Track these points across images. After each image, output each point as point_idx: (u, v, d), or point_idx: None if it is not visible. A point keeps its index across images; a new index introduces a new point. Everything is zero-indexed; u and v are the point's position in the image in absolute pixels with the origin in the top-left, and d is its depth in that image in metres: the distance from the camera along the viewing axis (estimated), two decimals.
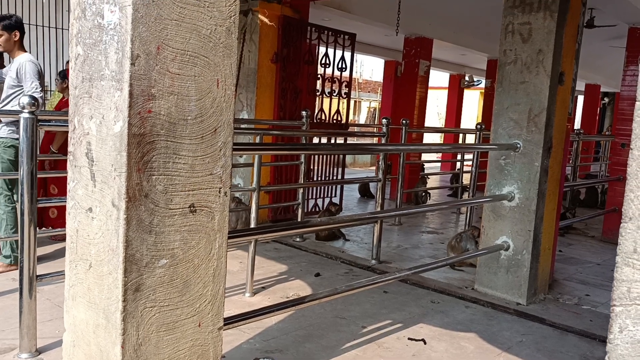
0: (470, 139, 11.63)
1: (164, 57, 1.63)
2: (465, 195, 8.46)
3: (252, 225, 3.93)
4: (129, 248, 1.61)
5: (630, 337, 0.87)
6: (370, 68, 24.16)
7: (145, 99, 1.60)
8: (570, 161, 8.43)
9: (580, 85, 15.50)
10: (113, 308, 1.65)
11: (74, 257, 1.82)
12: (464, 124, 15.48)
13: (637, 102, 0.89)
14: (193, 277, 1.80)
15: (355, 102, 22.76)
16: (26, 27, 6.67)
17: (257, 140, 4.33)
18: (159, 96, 1.63)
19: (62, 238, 4.51)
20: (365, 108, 24.23)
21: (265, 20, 4.91)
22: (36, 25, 6.72)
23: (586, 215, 7.39)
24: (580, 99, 16.94)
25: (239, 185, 6.02)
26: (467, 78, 14.37)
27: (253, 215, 3.82)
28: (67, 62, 5.52)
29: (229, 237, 2.02)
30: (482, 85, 13.68)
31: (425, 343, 3.16)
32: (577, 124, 16.85)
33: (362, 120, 23.42)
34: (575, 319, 3.70)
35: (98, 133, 1.67)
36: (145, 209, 1.64)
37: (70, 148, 1.81)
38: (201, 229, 1.80)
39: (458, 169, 9.04)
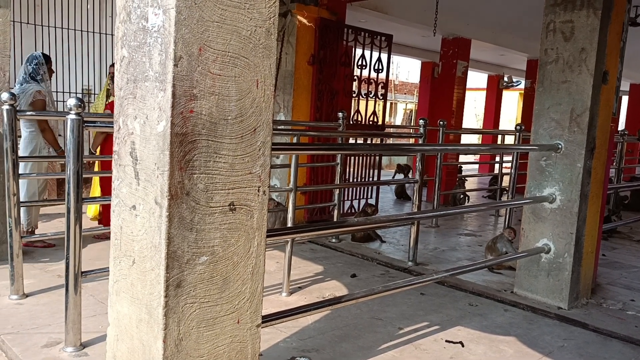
0: (509, 140, 11.40)
1: (205, 58, 1.67)
2: (504, 198, 8.31)
3: (289, 225, 3.96)
4: (170, 245, 1.65)
5: None
6: (406, 70, 23.97)
7: (187, 99, 1.63)
8: (615, 163, 8.19)
9: (625, 85, 15.02)
10: (155, 303, 1.69)
11: (118, 253, 1.87)
12: (502, 126, 15.19)
13: None
14: (232, 274, 1.83)
15: (391, 104, 22.63)
16: (71, 32, 6.91)
17: (294, 141, 4.36)
18: (200, 96, 1.66)
19: (105, 236, 4.64)
20: (401, 110, 24.05)
21: (304, 21, 4.94)
22: (81, 31, 6.94)
23: (631, 218, 7.15)
24: (625, 99, 16.41)
25: (276, 186, 6.07)
26: (505, 79, 14.11)
27: (290, 215, 3.85)
28: (112, 65, 5.69)
29: (267, 236, 2.05)
30: (522, 86, 13.41)
31: (463, 345, 3.12)
32: (622, 125, 16.33)
33: (398, 122, 23.24)
34: (620, 325, 3.59)
35: (142, 133, 1.72)
36: (187, 207, 1.67)
37: (115, 147, 1.86)
38: (240, 227, 1.83)
39: (497, 171, 8.89)
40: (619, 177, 8.27)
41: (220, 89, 1.71)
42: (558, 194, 3.85)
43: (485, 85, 14.85)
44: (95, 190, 5.23)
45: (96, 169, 5.27)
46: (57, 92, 6.68)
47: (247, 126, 1.80)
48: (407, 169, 10.31)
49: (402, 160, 13.63)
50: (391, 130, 14.94)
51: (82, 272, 2.76)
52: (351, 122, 6.49)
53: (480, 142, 13.74)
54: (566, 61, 3.81)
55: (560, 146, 3.82)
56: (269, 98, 1.86)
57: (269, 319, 2.24)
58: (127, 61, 1.79)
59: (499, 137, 10.48)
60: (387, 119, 21.50)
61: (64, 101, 6.21)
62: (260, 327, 1.97)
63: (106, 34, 7.15)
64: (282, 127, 5.66)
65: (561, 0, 3.81)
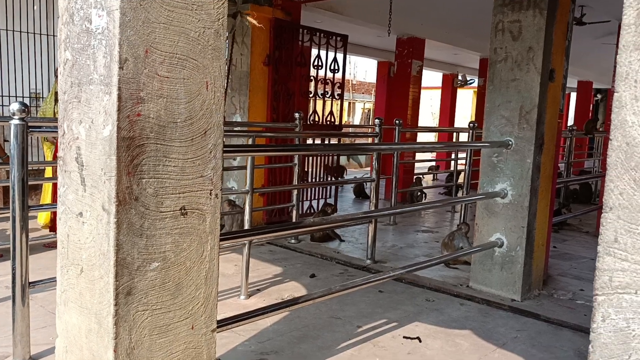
0: (464, 137, 11.66)
1: (152, 60, 1.63)
2: (460, 194, 8.48)
3: (246, 227, 3.93)
4: (120, 252, 1.61)
5: (612, 326, 0.88)
6: (364, 69, 24.18)
7: (134, 103, 1.60)
8: (564, 157, 8.48)
9: (573, 83, 15.56)
10: (105, 312, 1.65)
11: (65, 262, 1.82)
12: (458, 123, 15.52)
13: (615, 94, 0.90)
14: (185, 279, 1.80)
15: (349, 103, 22.79)
16: (17, 34, 6.67)
17: (250, 142, 4.33)
18: (148, 99, 1.63)
19: (56, 245, 4.50)
20: (359, 109, 24.25)
21: (254, 22, 4.91)
22: (27, 33, 6.71)
23: (580, 211, 7.43)
24: (574, 96, 17.01)
25: (233, 188, 6.02)
26: (459, 77, 14.40)
27: (247, 217, 3.83)
28: (57, 69, 5.52)
29: (222, 239, 2.03)
30: (475, 84, 13.72)
31: (420, 341, 3.17)
32: (571, 121, 16.92)
33: (356, 122, 23.43)
34: (570, 314, 3.72)
35: (87, 137, 1.67)
36: (136, 212, 1.64)
37: (60, 153, 1.81)
38: (193, 231, 1.80)
39: (453, 168, 9.06)
40: (569, 171, 8.57)
41: (168, 91, 1.68)
42: (509, 189, 3.95)
43: (440, 84, 15.14)
44: (46, 197, 5.07)
45: (48, 174, 5.11)
46: (2, 96, 6.44)
47: (198, 129, 1.77)
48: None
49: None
50: (349, 129, 15.04)
51: (30, 283, 2.67)
52: (308, 123, 6.50)
53: (436, 140, 13.99)
54: (515, 60, 3.91)
55: (510, 143, 3.92)
56: (219, 100, 1.84)
57: (225, 323, 2.21)
58: (71, 64, 1.74)
59: (454, 134, 10.70)
60: (345, 119, 21.63)
61: (9, 105, 5.98)
62: (215, 332, 1.95)
63: (54, 35, 6.94)
64: (239, 128, 5.62)
65: (509, 1, 3.91)
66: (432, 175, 11.31)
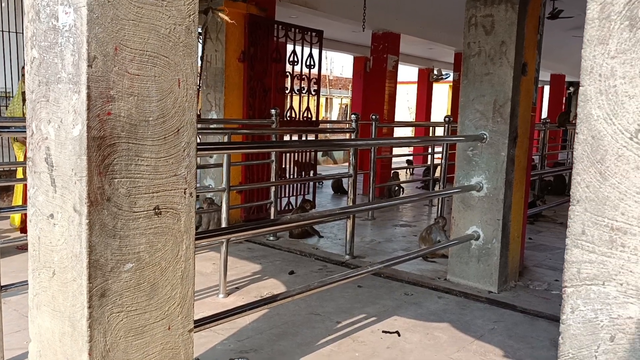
0: (440, 132, 11.76)
1: (122, 57, 1.61)
2: (437, 188, 8.55)
3: (223, 226, 3.91)
4: (92, 253, 1.59)
5: (581, 317, 0.89)
6: (340, 65, 24.24)
7: (104, 101, 1.57)
8: (538, 150, 8.61)
9: (546, 76, 15.80)
10: (79, 315, 1.62)
11: (36, 265, 1.78)
12: (435, 118, 15.63)
13: (580, 88, 0.92)
14: (160, 280, 1.78)
15: (326, 99, 22.81)
16: None
17: (225, 139, 4.30)
18: (118, 98, 1.60)
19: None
20: (337, 105, 24.28)
21: (226, 18, 4.87)
22: None
23: (554, 202, 7.55)
24: (547, 89, 17.27)
25: (210, 186, 5.97)
26: (435, 72, 14.51)
27: (224, 215, 3.80)
28: (23, 67, 5.41)
29: (198, 238, 2.01)
30: (451, 78, 13.84)
31: (399, 335, 3.19)
32: (545, 113, 17.18)
33: (334, 117, 23.46)
34: (545, 304, 3.78)
35: (57, 137, 1.64)
36: (109, 213, 1.61)
37: (29, 154, 1.77)
38: (167, 231, 1.78)
39: (430, 163, 9.13)
40: (543, 163, 8.71)
41: (139, 89, 1.65)
42: (485, 182, 3.99)
43: (416, 79, 15.22)
44: (18, 198, 4.97)
45: (19, 175, 5.01)
46: None
47: (170, 127, 1.75)
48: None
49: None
50: (327, 125, 15.04)
51: (2, 286, 2.61)
52: (285, 119, 6.48)
53: (413, 135, 14.07)
54: (488, 54, 3.95)
55: (485, 136, 3.96)
56: (192, 97, 1.82)
57: (203, 322, 2.20)
58: (38, 62, 1.70)
59: (431, 129, 10.78)
60: (323, 115, 21.63)
61: None
62: (193, 332, 1.93)
63: (22, 33, 6.79)
64: (215, 125, 5.57)
65: None
66: (407, 170, 11.36)
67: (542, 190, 8.32)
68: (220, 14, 4.75)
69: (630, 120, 0.85)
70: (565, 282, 0.93)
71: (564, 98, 17.91)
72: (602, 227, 0.89)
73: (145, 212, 1.71)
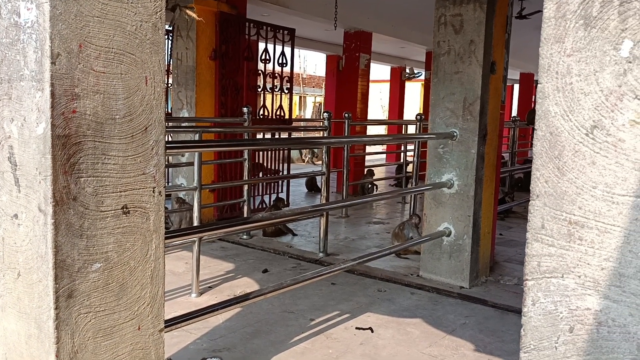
0: (412, 129, 11.87)
1: (87, 55, 1.58)
2: (410, 185, 8.63)
3: (195, 224, 3.88)
4: (58, 254, 1.56)
5: (542, 309, 0.92)
6: (314, 63, 24.24)
7: (68, 99, 1.54)
8: (508, 147, 8.75)
9: (516, 75, 16.08)
10: (45, 317, 1.59)
11: (1, 266, 1.74)
12: (407, 116, 15.75)
13: (538, 85, 0.94)
14: (129, 279, 1.76)
15: (300, 97, 22.80)
16: None
17: (197, 138, 4.27)
18: (83, 95, 1.58)
19: None
20: (310, 103, 24.28)
21: (194, 15, 4.83)
22: None
23: (524, 199, 7.69)
24: (517, 88, 17.57)
25: (182, 185, 5.92)
26: (407, 70, 14.62)
27: (195, 214, 3.77)
28: None
29: (168, 237, 1.99)
30: (423, 77, 13.97)
31: (372, 331, 3.21)
32: (515, 112, 17.46)
33: (308, 116, 23.45)
34: (515, 299, 3.85)
35: (20, 136, 1.61)
36: (75, 213, 1.59)
37: None
38: (136, 230, 1.76)
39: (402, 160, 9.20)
40: (513, 160, 8.86)
41: (105, 87, 1.63)
42: (455, 180, 4.05)
43: (389, 77, 15.33)
44: None
45: None
46: None
47: (138, 125, 1.73)
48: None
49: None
50: (301, 123, 15.03)
51: None
52: (257, 117, 6.46)
53: (386, 132, 14.16)
54: (457, 53, 4.00)
55: (455, 134, 4.02)
56: (160, 95, 1.80)
57: (174, 322, 2.18)
58: (0, 60, 1.66)
59: (403, 126, 10.86)
60: (296, 113, 21.62)
61: None
62: (164, 332, 1.92)
63: None
64: (186, 124, 5.52)
65: None
66: (381, 167, 11.43)
67: (512, 186, 8.46)
68: (188, 11, 4.71)
69: (586, 116, 0.87)
70: (526, 275, 0.95)
71: (533, 96, 18.25)
72: (560, 221, 0.92)
73: (113, 212, 1.68)
